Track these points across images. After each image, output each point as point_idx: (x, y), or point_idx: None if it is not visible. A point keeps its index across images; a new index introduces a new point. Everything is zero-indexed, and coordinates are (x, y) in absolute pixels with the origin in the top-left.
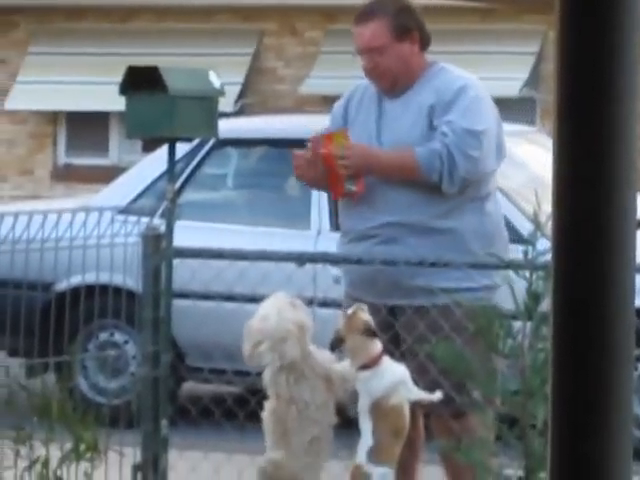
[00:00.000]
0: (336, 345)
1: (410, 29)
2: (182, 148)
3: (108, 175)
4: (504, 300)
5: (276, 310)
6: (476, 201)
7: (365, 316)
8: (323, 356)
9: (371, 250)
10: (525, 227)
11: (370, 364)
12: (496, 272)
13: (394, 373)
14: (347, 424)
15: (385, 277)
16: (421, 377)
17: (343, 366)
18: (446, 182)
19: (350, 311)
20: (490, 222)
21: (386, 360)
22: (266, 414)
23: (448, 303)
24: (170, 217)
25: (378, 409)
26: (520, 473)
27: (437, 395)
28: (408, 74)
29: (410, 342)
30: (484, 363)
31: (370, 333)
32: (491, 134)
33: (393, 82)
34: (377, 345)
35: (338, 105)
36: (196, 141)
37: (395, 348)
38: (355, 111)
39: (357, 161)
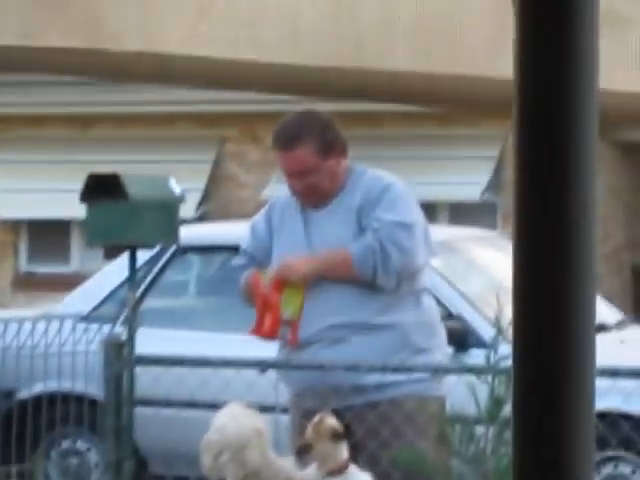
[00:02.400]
0: (303, 452)
1: (334, 143)
2: (143, 255)
3: (70, 283)
4: (466, 405)
5: (232, 419)
6: (412, 295)
7: (332, 422)
8: (285, 463)
9: (317, 354)
10: (487, 332)
11: (338, 470)
12: (443, 356)
13: None
14: None
15: (336, 378)
16: (374, 470)
17: (305, 474)
18: (381, 276)
19: (317, 417)
20: (429, 315)
21: (352, 468)
22: None
23: (397, 396)
24: (132, 324)
25: None
26: None
27: None
28: (336, 185)
29: (360, 436)
30: (445, 468)
31: (338, 438)
32: (419, 227)
33: (323, 197)
34: (344, 451)
35: (258, 221)
36: (157, 248)
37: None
38: (278, 225)
39: (290, 271)
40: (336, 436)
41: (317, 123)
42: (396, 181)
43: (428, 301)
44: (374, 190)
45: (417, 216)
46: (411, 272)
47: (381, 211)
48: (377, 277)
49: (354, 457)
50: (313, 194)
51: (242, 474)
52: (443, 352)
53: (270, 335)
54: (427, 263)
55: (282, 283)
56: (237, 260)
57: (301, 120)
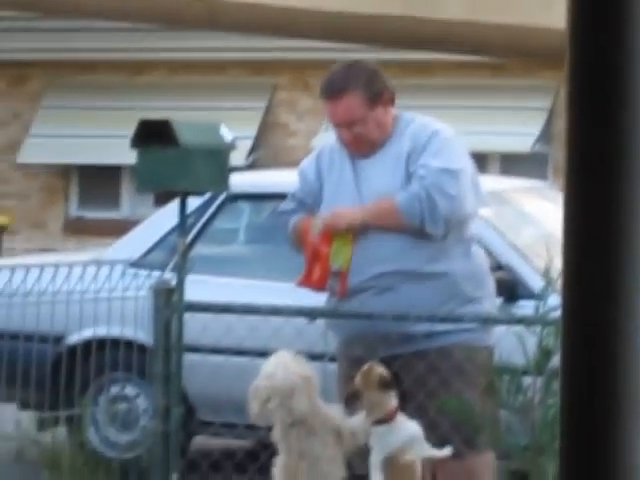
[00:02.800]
0: (352, 400)
1: (381, 93)
2: (193, 202)
3: (119, 229)
4: (514, 356)
5: (281, 366)
6: (462, 244)
7: (381, 370)
8: (332, 411)
9: (366, 302)
10: (536, 282)
11: (386, 419)
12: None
13: (409, 429)
14: (356, 478)
15: (385, 327)
16: (421, 419)
17: (353, 421)
18: (429, 223)
19: (366, 366)
20: (478, 264)
21: (401, 416)
22: (277, 470)
23: (446, 345)
24: (181, 271)
25: (391, 465)
26: None
27: (447, 451)
28: (384, 134)
29: (408, 385)
30: (493, 417)
31: (387, 386)
32: (466, 174)
33: (372, 146)
34: (393, 400)
35: (307, 166)
36: (208, 195)
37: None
38: (327, 171)
39: (340, 220)
40: (385, 385)
41: (364, 73)
42: (444, 127)
43: (477, 251)
44: (422, 136)
45: (465, 163)
46: (459, 219)
47: (428, 157)
48: (425, 225)
49: (401, 406)
50: (361, 143)
51: (290, 421)
52: (492, 302)
53: (319, 286)
54: (476, 211)
55: (331, 233)
56: (285, 205)
57: (348, 70)
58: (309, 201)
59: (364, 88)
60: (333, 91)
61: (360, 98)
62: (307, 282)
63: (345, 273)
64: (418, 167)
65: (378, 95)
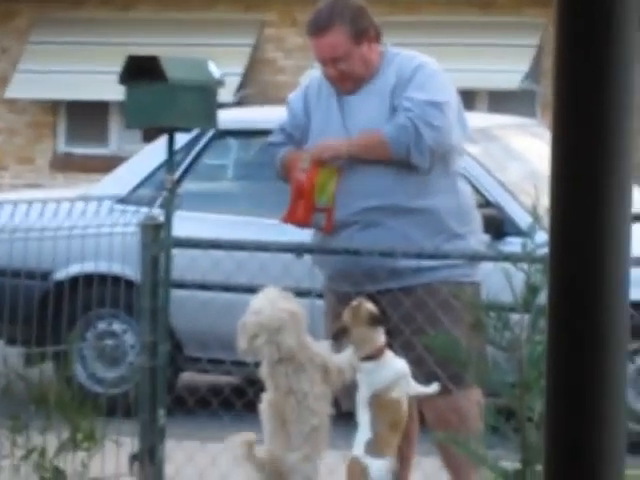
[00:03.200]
0: (340, 336)
1: (367, 29)
2: (182, 138)
3: (107, 165)
4: (501, 292)
5: (269, 302)
6: (447, 179)
7: (370, 306)
8: (320, 347)
9: (353, 237)
10: (524, 219)
11: (374, 355)
12: (476, 240)
13: (396, 366)
14: (342, 415)
15: (371, 262)
16: (408, 356)
17: (340, 358)
18: (415, 154)
19: (355, 302)
20: (464, 199)
21: (388, 353)
22: (264, 406)
23: (432, 281)
24: (169, 207)
25: (378, 401)
26: (517, 465)
27: (434, 387)
28: (370, 70)
29: (396, 320)
30: (480, 353)
31: (376, 322)
32: (451, 107)
33: (357, 83)
34: (381, 336)
35: (296, 99)
36: (196, 131)
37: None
38: (314, 104)
39: (326, 151)
40: (374, 321)
41: (349, 9)
42: (429, 61)
43: (463, 186)
44: (406, 70)
45: (450, 96)
46: (444, 151)
47: (412, 90)
48: (411, 156)
49: (388, 343)
50: (347, 79)
51: (277, 356)
52: (478, 238)
53: (303, 222)
54: (461, 144)
55: (317, 167)
56: (273, 137)
57: (333, 6)
58: (296, 134)
59: (349, 24)
60: (318, 27)
61: (345, 34)
62: (291, 218)
63: (331, 209)
64: (403, 100)
65: (363, 31)
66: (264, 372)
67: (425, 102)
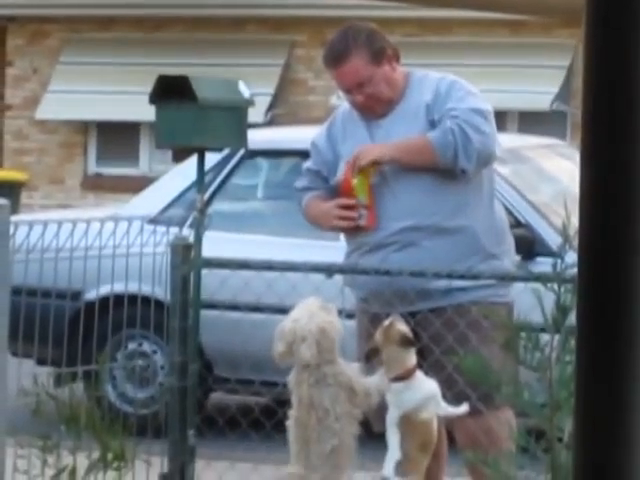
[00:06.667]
0: (371, 356)
1: (384, 49)
2: (212, 158)
3: (138, 185)
4: (532, 313)
5: (308, 312)
6: (483, 197)
7: (402, 327)
8: (349, 367)
9: (387, 258)
10: (554, 240)
11: (404, 376)
12: (509, 259)
13: (426, 387)
14: (373, 436)
15: (403, 282)
16: (438, 376)
17: (368, 381)
18: (462, 157)
19: (387, 322)
20: (498, 219)
21: (419, 374)
22: (290, 423)
23: (463, 302)
24: (199, 227)
25: (408, 422)
26: None
27: (464, 408)
28: (396, 91)
29: (425, 341)
30: (511, 374)
31: (407, 343)
32: (493, 118)
33: (385, 105)
34: (412, 357)
35: (319, 137)
36: (226, 151)
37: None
38: (341, 137)
39: (366, 156)
40: (405, 341)
41: (362, 34)
42: (460, 79)
43: (498, 206)
44: (442, 87)
45: (490, 108)
46: (489, 155)
47: (455, 102)
48: (458, 159)
49: (419, 363)
50: (375, 103)
51: (303, 365)
52: (511, 259)
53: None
54: (495, 160)
55: (353, 170)
56: (299, 182)
57: (346, 35)
58: (324, 171)
59: (365, 47)
60: (335, 58)
61: (363, 58)
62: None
63: (370, 206)
64: (447, 110)
65: (380, 51)
66: (291, 381)
67: (470, 109)
